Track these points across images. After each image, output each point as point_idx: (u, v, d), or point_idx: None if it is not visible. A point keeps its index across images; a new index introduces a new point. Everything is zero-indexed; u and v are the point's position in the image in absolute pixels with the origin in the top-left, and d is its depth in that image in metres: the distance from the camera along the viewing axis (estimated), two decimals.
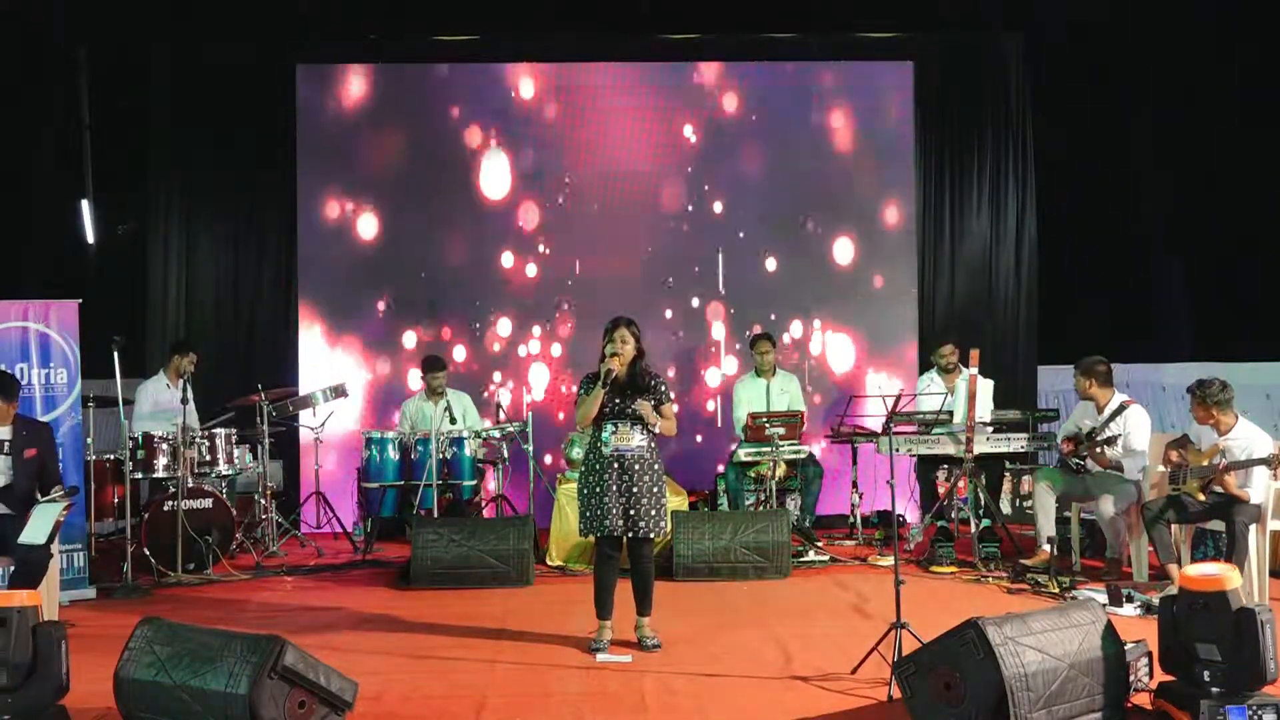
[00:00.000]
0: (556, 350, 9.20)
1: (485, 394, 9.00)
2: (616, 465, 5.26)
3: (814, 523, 8.06)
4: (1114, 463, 6.74)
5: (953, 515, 7.64)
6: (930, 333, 9.10)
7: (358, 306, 9.15)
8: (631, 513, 5.24)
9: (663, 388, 5.34)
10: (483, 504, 8.19)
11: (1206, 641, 4.08)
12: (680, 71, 9.31)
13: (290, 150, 9.13)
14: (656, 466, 5.34)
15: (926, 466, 8.00)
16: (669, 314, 9.18)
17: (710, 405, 9.19)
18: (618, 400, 5.29)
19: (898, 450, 7.48)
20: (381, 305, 9.15)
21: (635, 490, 5.24)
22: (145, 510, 7.22)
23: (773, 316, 9.16)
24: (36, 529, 5.43)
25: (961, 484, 7.50)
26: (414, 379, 8.83)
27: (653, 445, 5.34)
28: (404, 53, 9.28)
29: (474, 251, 9.18)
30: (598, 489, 5.27)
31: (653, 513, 5.26)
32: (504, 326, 9.18)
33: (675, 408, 5.46)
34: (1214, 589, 4.08)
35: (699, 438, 9.16)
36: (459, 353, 9.14)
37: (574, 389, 8.99)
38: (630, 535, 5.27)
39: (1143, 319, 9.56)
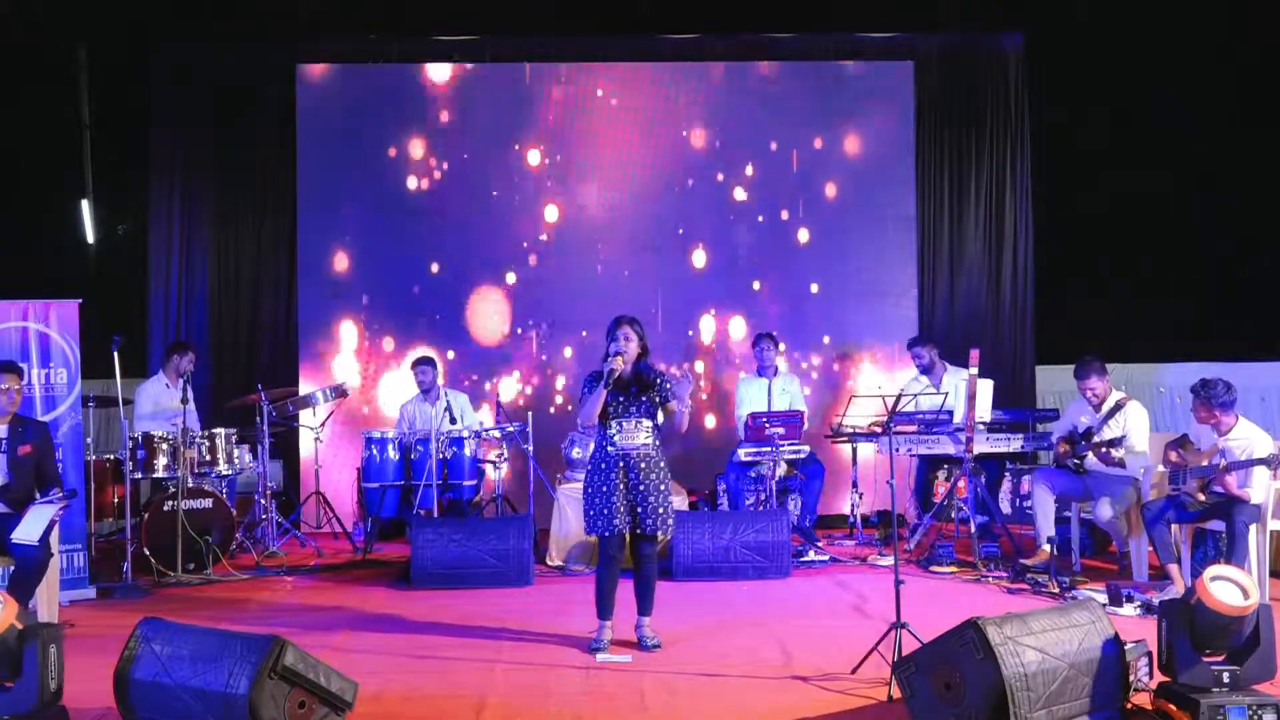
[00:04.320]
0: (556, 351, 9.19)
1: (486, 391, 9.00)
2: (622, 464, 5.26)
3: (814, 523, 8.06)
4: (1118, 460, 6.74)
5: (953, 515, 7.64)
6: (930, 333, 9.08)
7: (359, 306, 9.15)
8: (639, 510, 5.23)
9: (668, 385, 5.33)
10: (483, 504, 8.19)
11: (1220, 647, 4.10)
12: (680, 71, 9.30)
13: (290, 150, 9.13)
14: (662, 464, 5.33)
15: (926, 467, 8.00)
16: (669, 313, 9.17)
17: (711, 405, 9.18)
18: (622, 398, 5.28)
19: (898, 450, 7.49)
20: (382, 305, 9.15)
21: (642, 488, 5.24)
22: (145, 510, 7.22)
23: (771, 316, 9.14)
24: (30, 528, 5.42)
25: (961, 484, 7.51)
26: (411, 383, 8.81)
27: (657, 444, 5.34)
28: (404, 53, 9.28)
29: (474, 251, 9.17)
30: (604, 488, 5.26)
31: (660, 510, 5.26)
32: (503, 326, 9.17)
33: (677, 404, 5.41)
34: (1236, 615, 4.11)
35: (699, 438, 9.16)
36: (456, 353, 9.14)
37: (573, 389, 9.06)
38: (638, 532, 5.27)
39: (1142, 319, 9.58)
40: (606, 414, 5.29)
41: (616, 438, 5.26)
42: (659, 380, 5.31)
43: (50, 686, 4.12)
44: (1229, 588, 4.17)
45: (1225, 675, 4.09)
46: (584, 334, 9.07)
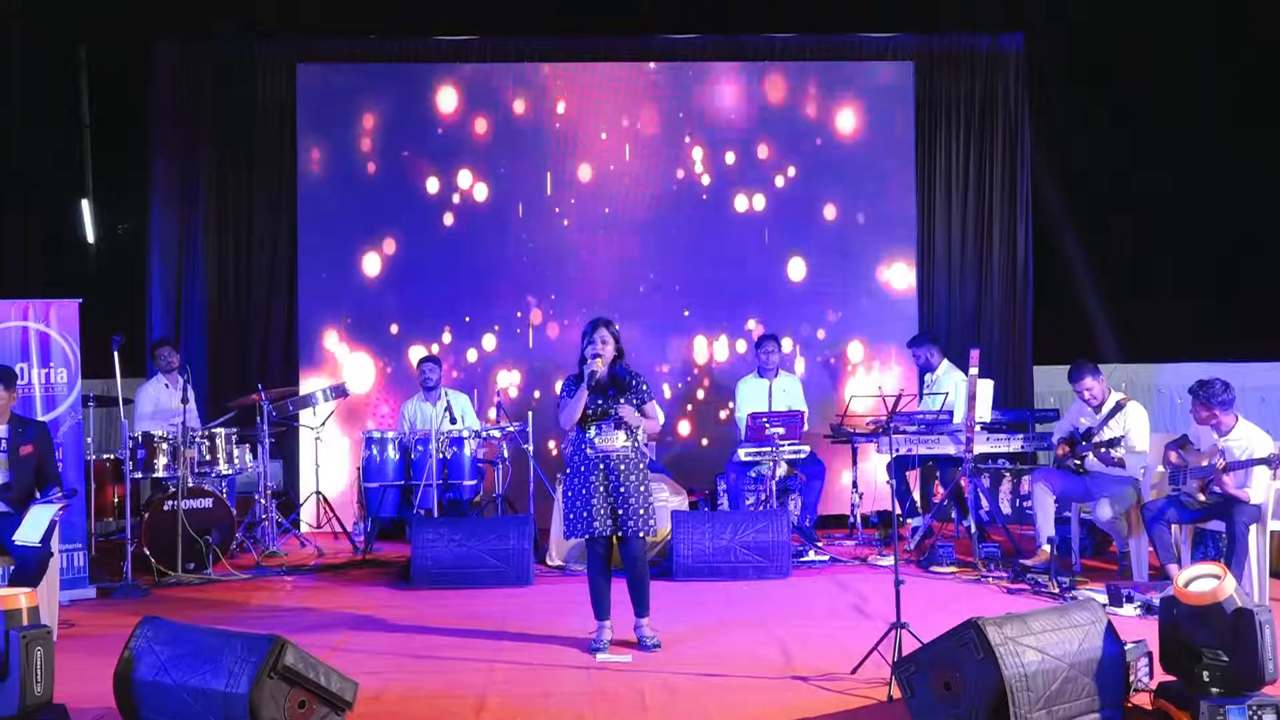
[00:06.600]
0: (557, 352, 9.19)
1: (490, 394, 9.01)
2: (602, 467, 5.25)
3: (814, 523, 8.06)
4: (1118, 460, 6.74)
5: (951, 515, 7.64)
6: (932, 332, 9.09)
7: (358, 305, 9.15)
8: (620, 512, 5.23)
9: (644, 387, 5.34)
10: (483, 504, 8.19)
11: (1209, 645, 4.10)
12: (680, 72, 9.30)
13: (291, 149, 9.13)
14: (642, 465, 5.34)
15: (926, 467, 7.99)
16: (668, 314, 9.17)
17: (711, 405, 9.18)
18: (600, 401, 5.28)
19: (898, 450, 7.49)
20: (381, 304, 9.15)
21: (623, 490, 5.23)
22: (145, 510, 7.22)
23: (773, 317, 9.14)
24: (31, 529, 5.42)
25: (961, 484, 7.50)
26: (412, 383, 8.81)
27: (637, 445, 5.34)
28: (404, 52, 9.28)
29: (472, 251, 9.16)
30: (584, 491, 5.26)
31: (641, 511, 5.25)
32: (502, 327, 9.17)
33: (660, 409, 5.47)
34: (1210, 602, 4.09)
35: (699, 438, 9.16)
36: (456, 354, 9.14)
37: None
38: (620, 535, 5.27)
39: (1141, 319, 9.58)
40: (585, 417, 5.29)
41: (596, 440, 5.26)
42: (635, 381, 5.32)
43: (35, 690, 4.07)
44: (1203, 581, 4.19)
45: (1225, 675, 4.09)
46: (578, 334, 9.03)
